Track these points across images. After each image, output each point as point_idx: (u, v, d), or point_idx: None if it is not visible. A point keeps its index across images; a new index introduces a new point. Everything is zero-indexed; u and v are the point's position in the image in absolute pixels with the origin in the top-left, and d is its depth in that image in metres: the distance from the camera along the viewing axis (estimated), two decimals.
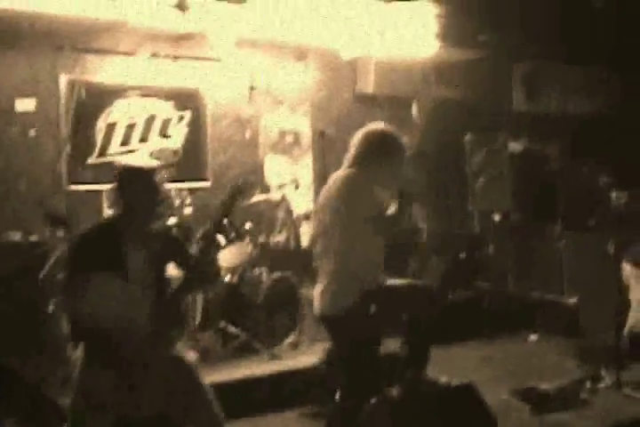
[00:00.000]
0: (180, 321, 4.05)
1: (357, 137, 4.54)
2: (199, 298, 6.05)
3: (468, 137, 8.42)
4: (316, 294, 4.45)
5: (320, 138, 7.33)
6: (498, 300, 7.38)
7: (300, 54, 7.80)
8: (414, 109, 8.35)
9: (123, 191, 3.87)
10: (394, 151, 4.48)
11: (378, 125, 4.58)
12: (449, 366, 5.57)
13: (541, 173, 8.31)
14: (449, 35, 7.48)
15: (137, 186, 3.85)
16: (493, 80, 8.49)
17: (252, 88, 7.48)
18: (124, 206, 3.85)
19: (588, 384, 5.57)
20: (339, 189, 4.40)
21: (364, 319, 4.25)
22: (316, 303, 4.43)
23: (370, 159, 4.42)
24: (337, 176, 4.51)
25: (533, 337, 7.23)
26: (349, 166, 4.47)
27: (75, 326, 3.70)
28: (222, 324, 5.97)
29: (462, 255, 7.62)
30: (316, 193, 7.76)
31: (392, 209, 4.34)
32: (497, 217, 8.33)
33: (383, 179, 4.44)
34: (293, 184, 7.84)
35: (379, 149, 4.43)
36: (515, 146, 8.29)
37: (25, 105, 6.68)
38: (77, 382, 3.65)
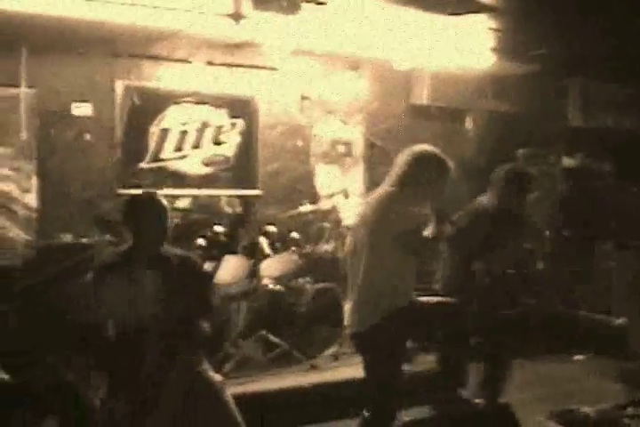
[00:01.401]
0: (202, 342, 4.06)
1: (402, 157, 4.50)
2: (243, 306, 6.09)
3: (521, 151, 8.34)
4: (346, 310, 4.45)
5: (370, 149, 7.34)
6: (544, 318, 7.28)
7: (355, 64, 7.82)
8: (468, 122, 8.30)
9: (129, 220, 4.01)
10: (437, 174, 4.43)
11: (424, 147, 4.53)
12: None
13: (594, 190, 8.19)
14: (504, 48, 7.42)
15: (142, 215, 3.98)
16: (548, 95, 8.40)
17: (303, 97, 7.51)
18: (133, 235, 3.98)
19: (631, 409, 5.46)
20: (374, 206, 4.38)
21: (391, 337, 4.22)
22: (346, 320, 4.43)
23: (411, 180, 4.39)
24: (375, 194, 4.50)
25: (579, 357, 7.12)
26: (390, 185, 4.46)
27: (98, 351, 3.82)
28: (264, 332, 5.99)
29: (510, 271, 7.52)
30: None
31: (429, 230, 4.31)
32: (547, 233, 8.23)
33: (422, 201, 4.41)
34: (343, 194, 7.86)
35: (422, 171, 4.39)
36: (568, 161, 8.19)
37: (81, 109, 6.82)
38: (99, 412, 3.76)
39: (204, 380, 3.83)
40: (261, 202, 7.35)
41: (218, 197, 7.04)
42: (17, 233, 6.52)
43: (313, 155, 7.85)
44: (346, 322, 4.45)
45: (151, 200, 4.03)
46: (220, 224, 6.37)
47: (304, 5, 5.99)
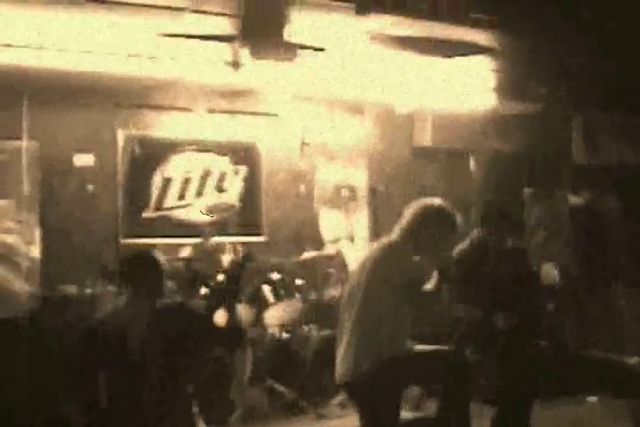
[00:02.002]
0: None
1: (410, 209, 4.46)
2: (249, 354, 6.02)
3: (526, 190, 8.29)
4: (337, 357, 4.37)
5: (372, 194, 7.32)
6: (554, 359, 7.15)
7: (357, 108, 7.83)
8: (472, 163, 8.28)
9: (126, 276, 4.06)
10: (444, 229, 4.39)
11: (432, 201, 4.50)
12: None
13: (602, 228, 8.11)
14: (505, 88, 7.42)
15: (140, 270, 4.02)
16: (552, 133, 8.37)
17: (305, 143, 7.50)
18: (130, 289, 3.99)
19: None
20: (375, 255, 4.34)
21: (386, 387, 4.12)
22: (337, 368, 4.34)
23: (416, 234, 4.35)
24: (379, 243, 4.46)
25: (592, 399, 6.98)
26: (395, 236, 4.41)
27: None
28: (269, 382, 5.91)
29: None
30: None
31: (430, 284, 4.24)
32: (556, 271, 8.13)
33: (426, 255, 4.37)
34: (348, 239, 7.83)
35: (428, 225, 4.35)
36: (575, 199, 8.14)
37: (83, 160, 6.83)
38: None
39: None
40: (266, 249, 7.30)
41: (222, 245, 7.00)
42: (20, 285, 6.47)
43: (317, 200, 7.82)
44: (337, 370, 4.35)
45: (146, 258, 4.04)
46: (222, 273, 6.31)
47: (302, 52, 6.00)
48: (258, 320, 6.12)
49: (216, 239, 6.87)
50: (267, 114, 7.36)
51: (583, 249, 8.07)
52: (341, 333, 4.36)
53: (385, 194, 7.87)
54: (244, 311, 6.01)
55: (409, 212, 4.43)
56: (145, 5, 5.23)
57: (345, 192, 7.95)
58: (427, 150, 8.14)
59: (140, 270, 4.04)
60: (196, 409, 4.01)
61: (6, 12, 5.48)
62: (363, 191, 8.03)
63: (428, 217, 4.37)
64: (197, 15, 5.41)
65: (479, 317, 5.72)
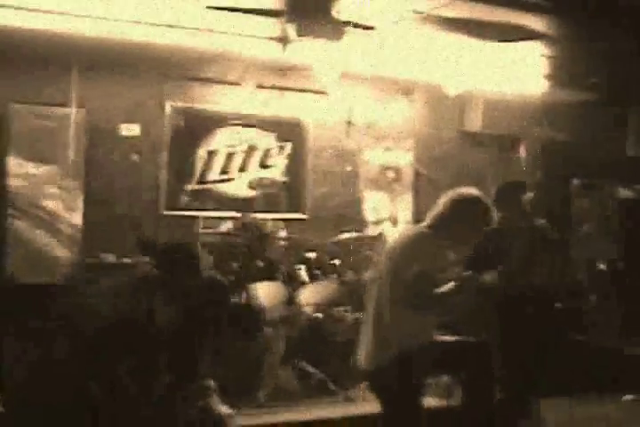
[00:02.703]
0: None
1: (445, 198, 4.35)
2: (282, 333, 6.00)
3: (575, 181, 8.13)
4: (360, 344, 4.31)
5: (417, 178, 7.23)
6: (593, 355, 7.03)
7: (406, 89, 7.72)
8: (521, 151, 8.12)
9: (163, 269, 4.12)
10: (476, 220, 4.28)
11: (468, 190, 4.37)
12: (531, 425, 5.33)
13: None
14: (558, 76, 7.25)
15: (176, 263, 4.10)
16: (605, 124, 8.16)
17: (353, 122, 7.41)
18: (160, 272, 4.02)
19: None
20: (403, 242, 4.26)
21: (402, 377, 4.05)
22: (359, 355, 4.29)
23: (450, 223, 4.24)
24: (409, 230, 4.38)
25: (629, 397, 6.84)
26: (425, 225, 4.32)
27: None
28: (300, 361, 5.88)
29: (558, 305, 7.30)
30: None
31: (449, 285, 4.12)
32: (602, 266, 7.98)
33: (456, 245, 4.27)
34: (391, 221, 7.76)
35: (459, 215, 4.23)
36: (625, 192, 7.95)
37: (130, 130, 6.84)
38: None
39: (209, 413, 3.77)
40: (307, 227, 7.26)
41: (263, 220, 6.97)
42: (61, 251, 6.54)
43: (362, 180, 7.75)
44: (358, 357, 4.30)
45: (184, 252, 4.06)
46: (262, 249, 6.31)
47: (351, 30, 5.91)
48: (292, 299, 6.09)
49: (257, 215, 6.86)
50: (315, 91, 7.26)
51: (631, 242, 7.91)
52: (365, 319, 4.30)
53: (431, 178, 7.76)
54: (277, 290, 6.02)
55: (441, 200, 4.33)
56: None
57: (390, 174, 7.87)
58: (476, 135, 8.00)
59: (176, 265, 4.05)
60: (213, 385, 3.99)
61: None
62: (408, 174, 7.94)
63: (460, 206, 4.26)
64: None
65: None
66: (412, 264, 4.00)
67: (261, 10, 5.65)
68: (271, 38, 6.16)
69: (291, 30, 5.66)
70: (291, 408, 5.59)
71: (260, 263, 6.17)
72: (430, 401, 5.38)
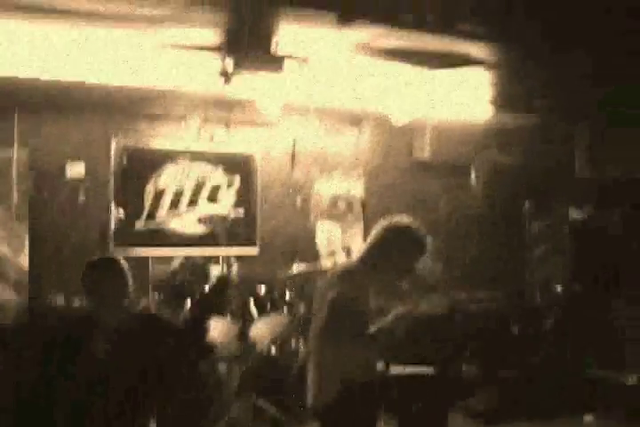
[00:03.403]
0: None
1: (376, 228, 4.30)
2: (236, 368, 5.93)
3: (527, 204, 8.17)
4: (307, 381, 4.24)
5: (369, 207, 7.23)
6: (551, 377, 7.02)
7: (353, 119, 7.74)
8: (472, 176, 8.15)
9: (86, 284, 3.99)
10: (408, 249, 4.22)
11: (399, 218, 4.32)
12: None
13: (604, 243, 7.95)
14: (503, 100, 7.30)
15: (100, 280, 3.97)
16: (553, 145, 8.22)
17: (301, 154, 7.39)
18: (90, 298, 3.95)
19: None
20: (333, 279, 4.19)
21: (349, 415, 3.97)
22: (308, 393, 4.22)
23: (378, 254, 4.20)
24: (342, 265, 4.33)
25: (589, 418, 6.83)
26: (360, 258, 4.26)
27: None
28: (253, 397, 5.81)
29: (514, 330, 7.31)
30: None
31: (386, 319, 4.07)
32: (558, 288, 8.00)
33: (389, 277, 4.23)
34: (345, 252, 7.72)
35: (391, 245, 4.19)
36: (576, 213, 7.99)
37: (75, 169, 6.77)
38: None
39: None
40: (259, 260, 7.22)
41: (213, 256, 6.91)
42: (8, 295, 6.44)
43: (313, 212, 7.72)
44: (307, 395, 4.22)
45: (110, 264, 3.97)
46: (209, 285, 6.24)
47: (292, 63, 5.91)
48: (243, 334, 6.02)
49: (206, 251, 6.82)
50: (260, 124, 7.27)
51: (585, 264, 7.93)
52: (310, 355, 4.24)
53: (382, 207, 7.74)
54: (227, 325, 5.95)
55: (374, 230, 4.28)
56: (127, 17, 5.14)
57: (342, 204, 7.85)
58: (426, 162, 8.02)
59: (102, 275, 3.98)
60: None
61: None
62: (360, 204, 7.92)
63: (389, 236, 4.21)
64: (183, 26, 5.32)
65: None
66: (344, 300, 3.95)
67: (200, 46, 5.63)
68: (212, 73, 6.14)
69: (229, 65, 5.64)
70: None
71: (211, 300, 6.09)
72: None
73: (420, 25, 5.16)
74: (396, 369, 4.49)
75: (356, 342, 3.93)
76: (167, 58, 6.06)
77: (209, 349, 4.21)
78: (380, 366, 4.31)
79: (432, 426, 4.54)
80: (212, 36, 5.46)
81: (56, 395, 3.76)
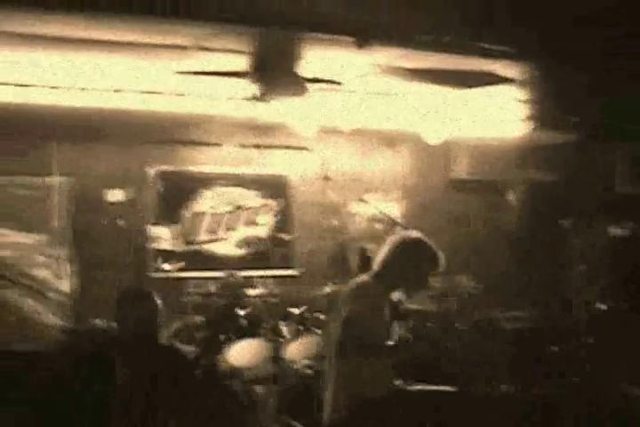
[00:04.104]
0: None
1: (387, 242, 4.33)
2: (269, 389, 5.98)
3: (566, 221, 8.09)
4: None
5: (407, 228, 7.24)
6: (590, 398, 6.89)
7: (389, 141, 7.78)
8: (509, 194, 8.13)
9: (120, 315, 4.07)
10: (420, 265, 4.23)
11: (410, 234, 4.36)
12: None
13: None
14: (538, 117, 7.27)
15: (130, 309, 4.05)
16: (592, 162, 8.15)
17: (327, 177, 7.45)
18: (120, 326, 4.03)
19: None
20: (348, 296, 4.22)
21: None
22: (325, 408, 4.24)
23: (394, 270, 4.22)
24: (354, 282, 4.35)
25: None
26: (374, 273, 4.29)
27: None
28: (288, 418, 5.84)
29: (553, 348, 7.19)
30: None
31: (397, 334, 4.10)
32: (602, 306, 7.88)
33: (403, 290, 4.25)
34: None
35: (402, 261, 4.20)
36: (616, 230, 7.89)
37: (114, 195, 6.94)
38: None
39: None
40: (297, 282, 7.28)
41: (250, 279, 7.00)
42: (51, 319, 6.60)
43: (350, 233, 7.76)
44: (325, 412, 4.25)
45: (142, 297, 4.08)
46: (242, 307, 6.33)
47: (322, 86, 6.00)
48: (277, 356, 6.07)
49: (243, 274, 6.92)
50: (295, 148, 7.36)
51: (628, 282, 7.81)
52: (327, 371, 4.27)
53: (420, 227, 7.72)
54: (260, 347, 6.01)
55: (385, 246, 4.31)
56: (156, 45, 5.29)
57: (379, 226, 7.87)
58: (462, 182, 8.03)
59: (132, 307, 4.07)
60: None
61: (31, 54, 5.67)
62: (397, 224, 7.93)
63: (404, 252, 4.24)
64: (210, 52, 5.45)
65: None
66: (358, 317, 3.98)
67: (227, 72, 5.75)
68: (243, 98, 6.25)
69: (257, 90, 5.74)
70: None
71: (244, 321, 6.18)
72: None
73: (438, 45, 5.20)
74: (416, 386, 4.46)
75: (371, 357, 3.95)
76: (199, 85, 6.21)
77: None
78: (398, 382, 4.29)
79: None
80: (240, 62, 5.56)
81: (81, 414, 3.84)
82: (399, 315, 4.97)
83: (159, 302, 4.15)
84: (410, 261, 4.19)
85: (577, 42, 5.78)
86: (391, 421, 4.05)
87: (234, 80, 6.08)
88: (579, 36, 5.73)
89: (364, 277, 4.32)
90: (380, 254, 4.30)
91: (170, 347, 4.24)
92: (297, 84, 5.62)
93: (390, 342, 4.02)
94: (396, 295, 4.70)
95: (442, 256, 4.25)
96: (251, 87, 6.06)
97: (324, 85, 6.02)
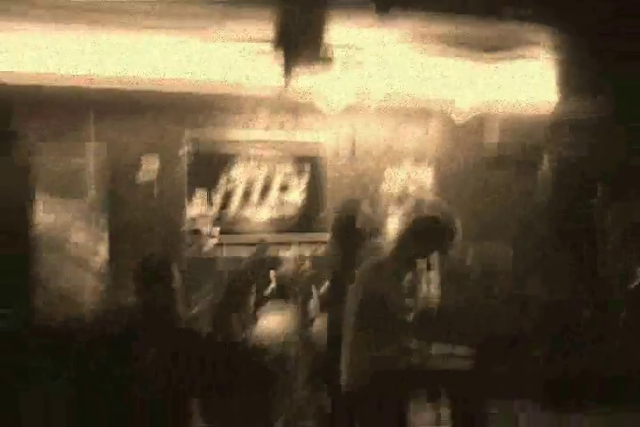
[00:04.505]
0: None
1: (402, 219, 4.42)
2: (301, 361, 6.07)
3: (599, 194, 8.03)
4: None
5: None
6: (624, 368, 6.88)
7: (418, 114, 7.79)
8: (544, 167, 8.09)
9: (139, 289, 4.13)
10: (437, 239, 4.31)
11: (430, 210, 4.43)
12: None
13: None
14: (571, 88, 7.24)
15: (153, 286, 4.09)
16: (626, 133, 8.05)
17: (352, 153, 7.53)
18: (142, 305, 4.08)
19: None
20: (366, 271, 4.29)
21: (381, 399, 4.05)
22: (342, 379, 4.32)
23: (411, 246, 4.29)
24: (371, 260, 4.41)
25: None
26: (391, 252, 4.34)
27: None
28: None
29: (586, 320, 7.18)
30: None
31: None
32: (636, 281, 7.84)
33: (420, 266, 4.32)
34: None
35: (421, 238, 4.29)
36: None
37: (150, 162, 7.09)
38: None
39: None
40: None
41: (282, 244, 7.15)
42: (91, 285, 6.79)
43: (383, 204, 7.82)
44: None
45: (161, 265, 4.16)
46: (274, 271, 6.48)
47: (346, 57, 6.08)
48: (309, 323, 6.16)
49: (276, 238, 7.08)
50: (326, 116, 7.41)
51: None
52: (344, 341, 4.34)
53: (451, 200, 7.79)
54: (292, 314, 6.13)
55: (400, 225, 4.37)
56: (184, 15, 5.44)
57: (408, 195, 7.92)
58: (493, 155, 8.02)
59: (150, 277, 4.15)
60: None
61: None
62: (430, 195, 7.98)
63: (418, 230, 4.29)
64: (237, 23, 5.57)
65: None
66: (375, 294, 4.08)
67: (254, 40, 5.85)
68: (272, 73, 6.34)
69: (284, 63, 5.84)
70: None
71: (275, 286, 6.34)
72: None
73: (463, 10, 5.21)
74: (440, 349, 4.52)
75: (388, 331, 4.05)
76: (229, 54, 6.36)
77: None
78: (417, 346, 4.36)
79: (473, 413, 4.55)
80: (265, 31, 5.65)
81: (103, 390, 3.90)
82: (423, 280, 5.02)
83: (177, 274, 4.18)
84: (425, 239, 4.25)
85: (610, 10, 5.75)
86: (407, 387, 4.13)
87: (261, 48, 6.20)
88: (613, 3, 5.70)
89: (378, 259, 4.38)
90: (396, 232, 4.38)
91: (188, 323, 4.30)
92: (323, 53, 5.70)
93: (410, 313, 4.10)
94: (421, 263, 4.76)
95: (458, 229, 4.30)
96: (278, 55, 6.20)
97: (350, 54, 6.11)
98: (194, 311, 5.84)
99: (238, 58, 6.34)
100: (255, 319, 6.00)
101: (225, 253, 7.13)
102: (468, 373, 4.44)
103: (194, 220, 7.18)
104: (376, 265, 4.32)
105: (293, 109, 7.42)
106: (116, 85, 6.47)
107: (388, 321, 4.08)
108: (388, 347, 4.14)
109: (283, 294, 6.35)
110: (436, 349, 4.59)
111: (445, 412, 4.70)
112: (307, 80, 6.41)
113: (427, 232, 4.24)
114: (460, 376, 4.40)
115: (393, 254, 4.29)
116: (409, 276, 4.32)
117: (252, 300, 6.17)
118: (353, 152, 7.51)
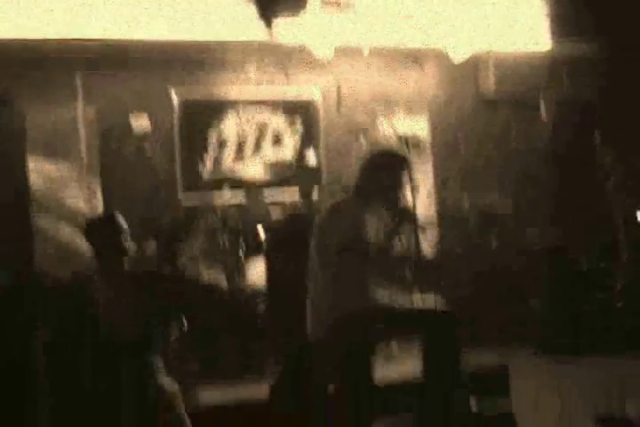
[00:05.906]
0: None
1: (361, 159, 4.38)
2: None
3: (597, 136, 7.90)
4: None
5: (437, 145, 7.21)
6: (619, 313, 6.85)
7: (413, 57, 7.63)
8: (542, 110, 7.95)
9: (89, 239, 4.21)
10: (393, 176, 4.24)
11: (382, 147, 4.40)
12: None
13: None
14: (566, 31, 7.08)
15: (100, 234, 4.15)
16: (628, 77, 7.88)
17: (339, 102, 7.40)
18: (95, 253, 4.15)
19: None
20: (325, 215, 4.27)
21: (346, 344, 4.02)
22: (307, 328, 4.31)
23: (365, 185, 4.24)
24: (331, 201, 4.39)
25: None
26: (349, 192, 4.33)
27: None
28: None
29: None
30: (437, 199, 7.63)
31: (379, 236, 4.12)
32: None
33: (379, 206, 4.24)
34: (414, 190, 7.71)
35: (373, 173, 4.23)
36: None
37: (139, 120, 6.98)
38: None
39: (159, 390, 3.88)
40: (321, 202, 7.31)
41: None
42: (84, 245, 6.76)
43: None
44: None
45: (108, 221, 4.22)
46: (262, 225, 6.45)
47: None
48: None
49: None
50: (317, 67, 7.27)
51: None
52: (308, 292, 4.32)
53: (449, 144, 7.71)
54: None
55: (360, 164, 4.35)
56: None
57: (409, 143, 7.81)
58: (491, 97, 7.88)
59: (101, 232, 4.21)
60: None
61: None
62: (426, 142, 7.88)
63: (371, 165, 4.26)
64: None
65: None
66: (330, 220, 4.09)
67: None
68: (257, 20, 6.19)
69: (264, 9, 5.70)
70: None
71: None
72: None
73: None
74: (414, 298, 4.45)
75: (347, 260, 3.99)
76: (214, 8, 6.21)
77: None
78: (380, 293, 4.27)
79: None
80: None
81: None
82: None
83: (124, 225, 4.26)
84: (380, 170, 4.20)
85: None
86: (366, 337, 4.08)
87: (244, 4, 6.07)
88: None
89: (337, 199, 4.36)
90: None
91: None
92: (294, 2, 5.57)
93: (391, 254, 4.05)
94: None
95: (409, 158, 4.26)
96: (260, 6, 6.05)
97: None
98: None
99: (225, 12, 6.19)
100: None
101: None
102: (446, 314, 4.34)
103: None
104: (333, 205, 4.29)
105: (283, 63, 7.27)
106: (103, 42, 6.35)
107: (348, 262, 4.01)
108: (353, 291, 4.08)
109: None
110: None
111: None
112: (295, 29, 6.31)
113: (381, 163, 4.21)
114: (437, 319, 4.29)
115: (352, 193, 4.27)
116: (388, 218, 4.25)
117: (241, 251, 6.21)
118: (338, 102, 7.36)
